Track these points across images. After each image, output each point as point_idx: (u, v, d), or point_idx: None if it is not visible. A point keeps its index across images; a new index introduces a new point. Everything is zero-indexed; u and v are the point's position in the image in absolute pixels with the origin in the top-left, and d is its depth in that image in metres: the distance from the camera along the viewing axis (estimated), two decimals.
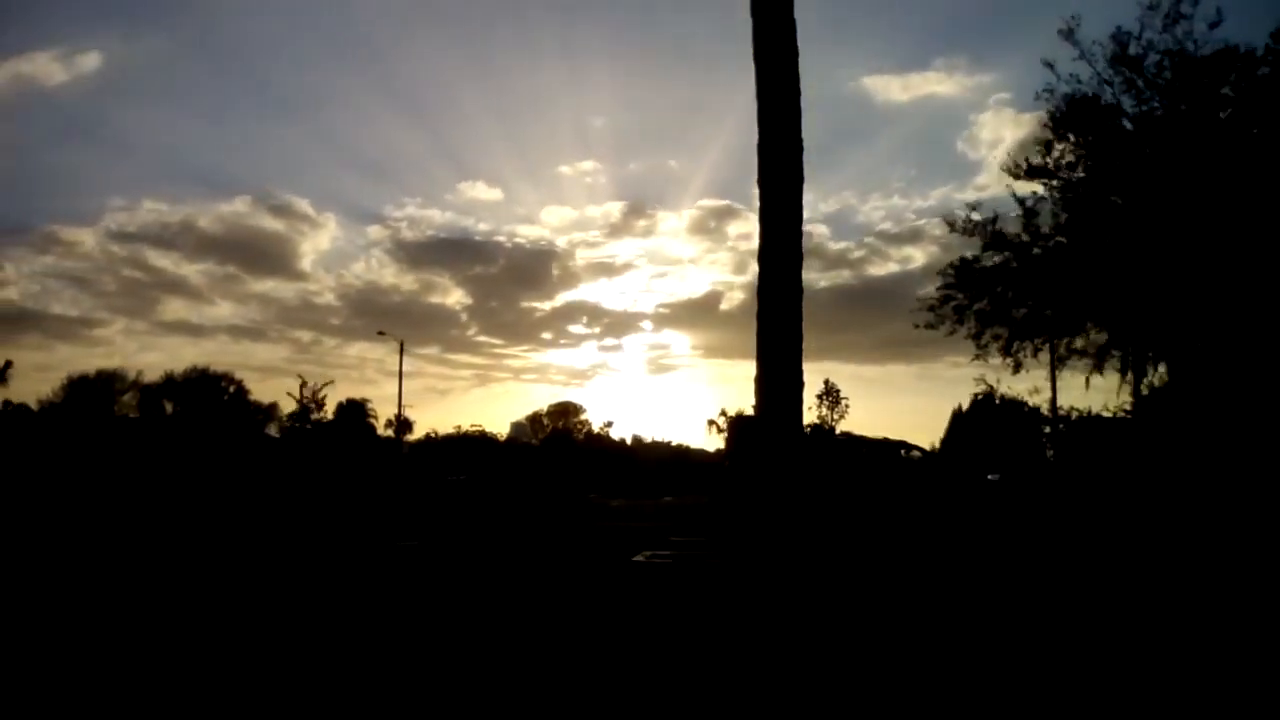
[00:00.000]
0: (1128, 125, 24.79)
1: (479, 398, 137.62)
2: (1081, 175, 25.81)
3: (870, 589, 12.84)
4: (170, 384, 77.53)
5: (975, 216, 26.81)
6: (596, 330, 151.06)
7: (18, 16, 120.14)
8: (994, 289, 27.18)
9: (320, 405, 79.62)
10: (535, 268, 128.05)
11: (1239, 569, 13.87)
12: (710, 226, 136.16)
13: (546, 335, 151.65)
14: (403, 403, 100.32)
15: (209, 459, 52.13)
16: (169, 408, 76.48)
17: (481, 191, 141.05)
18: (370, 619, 10.28)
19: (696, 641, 8.94)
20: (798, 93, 12.24)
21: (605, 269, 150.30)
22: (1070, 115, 25.14)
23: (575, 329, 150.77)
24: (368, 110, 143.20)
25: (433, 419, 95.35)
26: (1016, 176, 26.11)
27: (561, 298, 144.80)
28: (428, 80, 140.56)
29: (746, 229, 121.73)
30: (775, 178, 12.14)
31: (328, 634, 9.38)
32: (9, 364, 66.51)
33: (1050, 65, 25.01)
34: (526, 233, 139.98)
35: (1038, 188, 26.23)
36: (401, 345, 69.11)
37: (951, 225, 27.55)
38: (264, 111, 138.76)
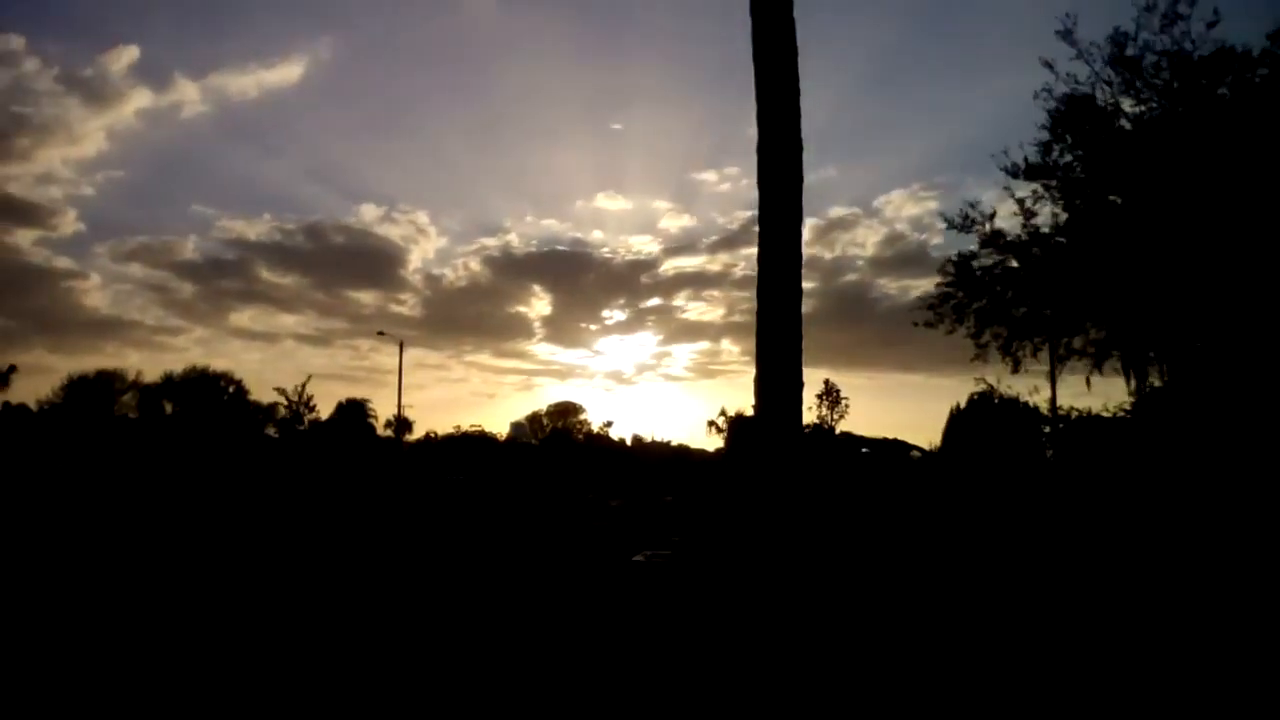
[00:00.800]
0: (1126, 125, 24.82)
1: (521, 401, 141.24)
2: (1080, 175, 25.82)
3: (865, 586, 12.86)
4: (169, 384, 77.59)
5: (973, 214, 26.81)
6: (660, 337, 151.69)
7: (228, 34, 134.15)
8: (993, 288, 27.20)
9: (310, 406, 79.80)
10: (627, 278, 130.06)
11: (1238, 568, 13.90)
12: (829, 234, 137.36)
13: (607, 342, 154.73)
14: (409, 404, 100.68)
15: (208, 459, 52.12)
16: (168, 408, 76.50)
17: (609, 202, 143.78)
18: (370, 617, 10.31)
19: (694, 639, 8.98)
20: (797, 92, 12.27)
21: (696, 278, 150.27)
22: (1068, 115, 25.16)
23: (637, 336, 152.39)
24: (507, 124, 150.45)
25: (474, 420, 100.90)
26: (1015, 176, 26.13)
27: (643, 306, 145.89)
28: (583, 91, 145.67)
29: (863, 235, 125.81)
30: (775, 178, 12.17)
31: (327, 632, 9.40)
32: (12, 368, 66.77)
33: (1049, 65, 25.06)
34: (636, 243, 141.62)
35: (1037, 187, 26.26)
36: (401, 345, 69.24)
37: (949, 223, 27.58)
38: (408, 123, 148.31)
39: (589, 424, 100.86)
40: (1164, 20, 23.22)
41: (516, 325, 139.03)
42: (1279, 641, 9.00)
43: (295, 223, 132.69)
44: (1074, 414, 32.82)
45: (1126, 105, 24.66)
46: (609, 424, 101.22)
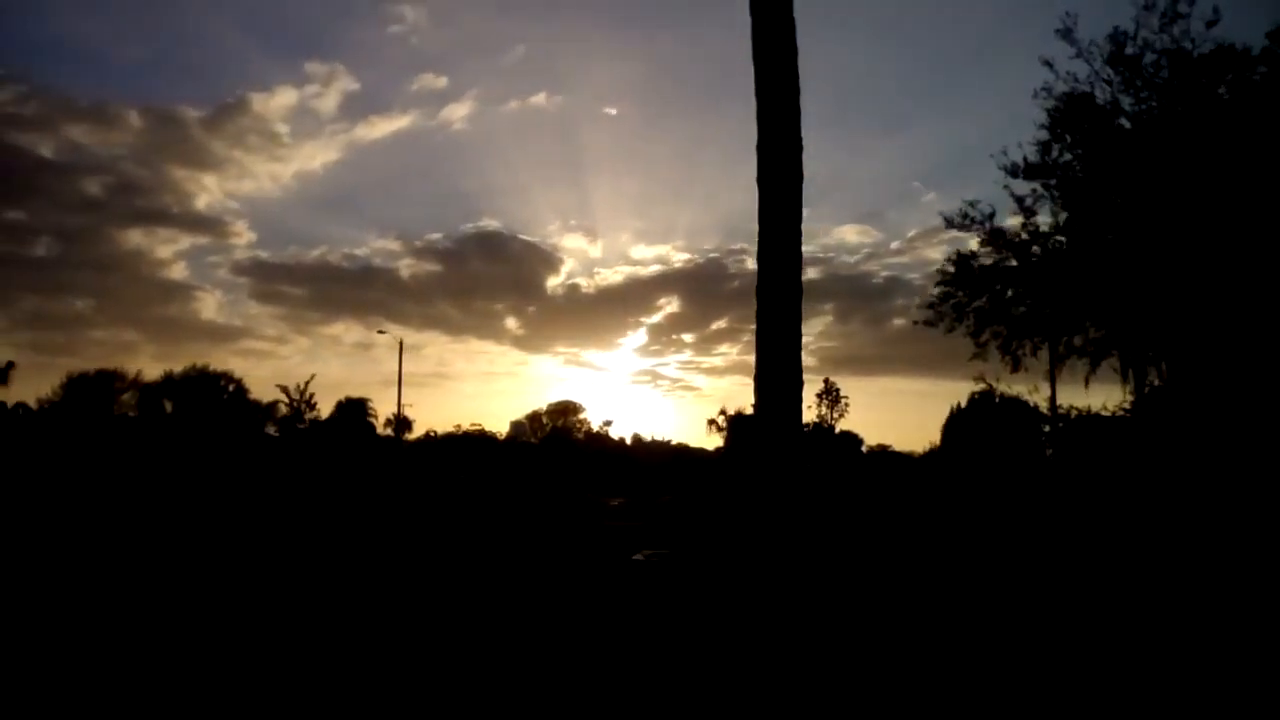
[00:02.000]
0: (1126, 124, 24.84)
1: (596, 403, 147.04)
2: (1080, 174, 25.83)
3: (865, 586, 12.87)
4: (169, 383, 77.52)
5: (972, 213, 26.81)
6: (739, 347, 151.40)
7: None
8: (993, 287, 27.22)
9: (312, 405, 79.91)
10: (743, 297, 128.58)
11: (1238, 568, 13.92)
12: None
13: (705, 347, 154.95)
14: (409, 403, 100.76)
15: (207, 458, 52.11)
16: (168, 407, 76.48)
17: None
18: (371, 616, 10.32)
19: (693, 637, 8.99)
20: (797, 92, 12.28)
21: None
22: (1068, 114, 25.19)
23: (725, 346, 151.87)
24: (717, 142, 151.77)
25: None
26: (1014, 175, 26.15)
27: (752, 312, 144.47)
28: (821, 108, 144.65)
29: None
30: (775, 177, 12.18)
31: (328, 631, 9.42)
32: (11, 364, 66.68)
33: (1049, 64, 25.10)
34: (814, 253, 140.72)
35: (1036, 186, 26.28)
36: (401, 344, 69.20)
37: (949, 222, 27.54)
38: (625, 145, 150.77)
39: (588, 423, 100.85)
40: (1164, 19, 23.29)
41: (615, 333, 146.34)
42: (1278, 640, 9.02)
43: (474, 233, 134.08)
44: (1074, 413, 32.84)
45: (1126, 104, 24.71)
46: (608, 423, 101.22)
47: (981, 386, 30.53)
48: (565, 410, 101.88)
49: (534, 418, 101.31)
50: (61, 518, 23.32)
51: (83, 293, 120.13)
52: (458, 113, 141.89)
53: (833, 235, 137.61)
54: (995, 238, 26.84)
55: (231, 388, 79.87)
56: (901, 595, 12.21)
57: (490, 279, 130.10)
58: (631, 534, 22.16)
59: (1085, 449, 30.52)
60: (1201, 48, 23.16)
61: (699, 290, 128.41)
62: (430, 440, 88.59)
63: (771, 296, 12.11)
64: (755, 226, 12.28)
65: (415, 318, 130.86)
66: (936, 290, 27.84)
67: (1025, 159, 25.95)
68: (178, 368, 78.59)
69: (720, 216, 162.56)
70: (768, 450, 12.12)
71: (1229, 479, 20.08)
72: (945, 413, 60.64)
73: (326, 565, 15.26)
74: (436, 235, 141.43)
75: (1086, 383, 28.26)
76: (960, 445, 53.05)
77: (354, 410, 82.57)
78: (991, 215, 26.74)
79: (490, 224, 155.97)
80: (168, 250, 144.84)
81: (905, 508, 26.27)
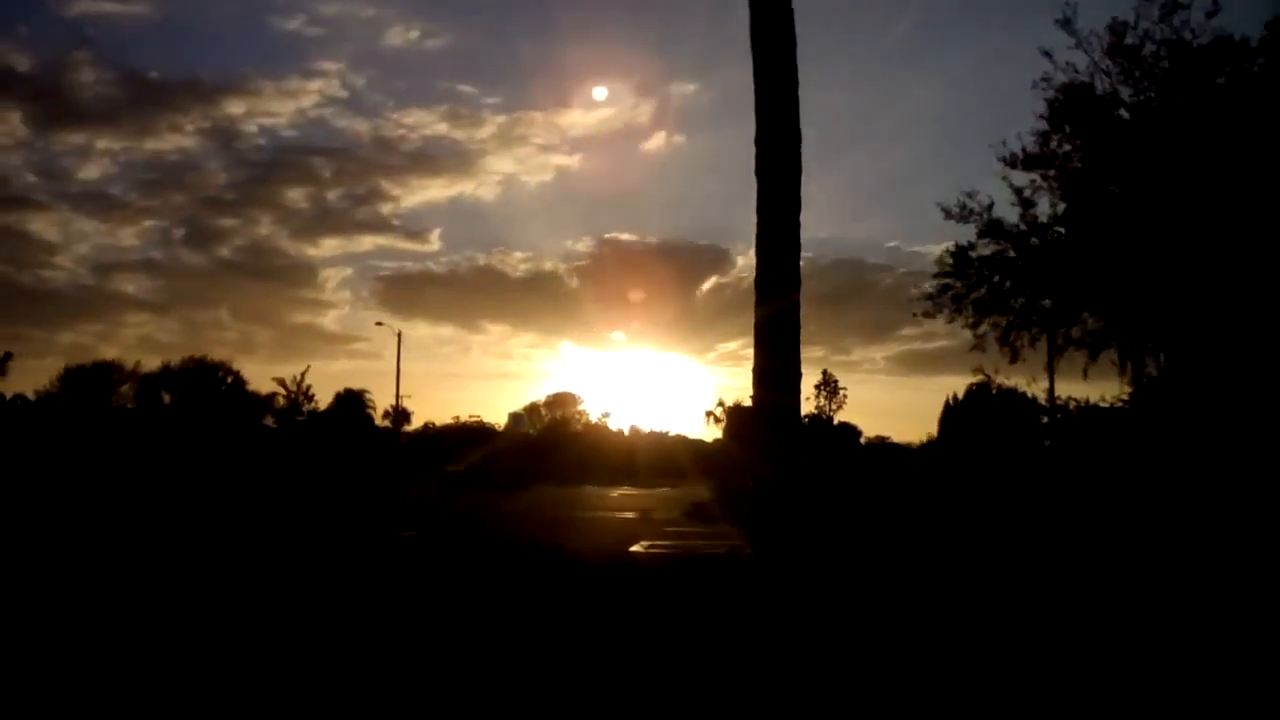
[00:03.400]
0: (1125, 115, 24.78)
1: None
2: (1078, 165, 25.76)
3: (861, 576, 12.89)
4: (167, 374, 77.44)
5: (970, 204, 26.70)
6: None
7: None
8: (991, 278, 27.15)
9: (310, 397, 79.95)
10: (897, 293, 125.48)
11: (1236, 562, 13.95)
12: None
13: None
14: (407, 394, 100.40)
15: (206, 450, 52.10)
16: (166, 398, 76.40)
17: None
18: (366, 610, 10.32)
19: (691, 633, 9.00)
20: (796, 85, 12.23)
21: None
22: (1067, 104, 25.11)
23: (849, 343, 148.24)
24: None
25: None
26: (1013, 166, 26.06)
27: (869, 319, 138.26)
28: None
29: None
30: (774, 170, 12.15)
31: (325, 626, 9.42)
32: (9, 355, 66.50)
33: (1048, 54, 25.01)
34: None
35: (1035, 177, 26.18)
36: (400, 336, 69.12)
37: (946, 213, 27.41)
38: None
39: (586, 415, 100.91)
40: (1163, 9, 23.17)
41: (720, 334, 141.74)
42: (1278, 634, 9.04)
43: (658, 239, 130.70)
44: (1072, 404, 32.89)
45: (1125, 95, 24.62)
46: (607, 415, 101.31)
47: (979, 378, 30.48)
48: (563, 401, 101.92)
49: (532, 409, 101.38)
50: (55, 508, 23.30)
51: (233, 298, 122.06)
52: (720, 131, 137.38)
53: None
54: (993, 229, 26.74)
55: (230, 379, 79.82)
56: (897, 588, 12.22)
57: (643, 283, 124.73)
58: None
59: (1083, 440, 30.58)
60: (1201, 38, 23.08)
61: (831, 293, 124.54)
62: (428, 432, 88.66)
63: (771, 289, 12.09)
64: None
65: (533, 323, 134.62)
66: (934, 280, 27.76)
67: (1024, 150, 25.86)
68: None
69: (900, 220, 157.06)
70: (767, 441, 12.13)
71: (1227, 470, 20.12)
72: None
73: (320, 559, 15.26)
74: (629, 238, 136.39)
75: (1085, 374, 28.19)
76: (958, 437, 53.13)
77: (352, 402, 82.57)
78: (990, 206, 26.63)
79: (673, 232, 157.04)
80: (334, 255, 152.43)
81: (898, 500, 26.31)
